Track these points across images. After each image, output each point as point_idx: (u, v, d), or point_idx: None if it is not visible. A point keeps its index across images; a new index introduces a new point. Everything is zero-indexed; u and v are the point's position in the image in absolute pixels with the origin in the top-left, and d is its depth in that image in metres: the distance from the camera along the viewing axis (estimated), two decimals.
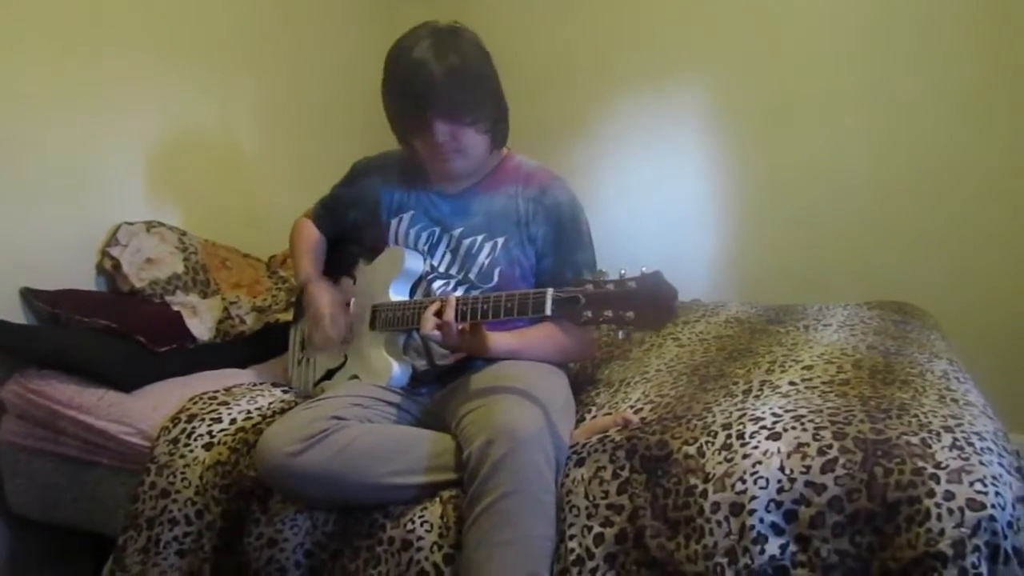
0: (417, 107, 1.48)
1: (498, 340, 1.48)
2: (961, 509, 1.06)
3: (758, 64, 2.85)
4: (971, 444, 1.18)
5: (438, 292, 1.58)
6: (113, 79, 2.14)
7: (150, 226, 2.14)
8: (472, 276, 1.58)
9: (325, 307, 1.65)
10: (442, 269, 1.61)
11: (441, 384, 1.58)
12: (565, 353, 1.61)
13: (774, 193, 2.88)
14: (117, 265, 2.03)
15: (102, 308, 1.89)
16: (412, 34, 1.50)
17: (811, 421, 1.26)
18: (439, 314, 1.38)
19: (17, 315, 1.89)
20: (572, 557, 1.24)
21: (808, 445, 1.21)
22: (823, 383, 1.47)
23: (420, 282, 1.61)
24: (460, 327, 1.38)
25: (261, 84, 2.66)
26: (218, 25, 2.49)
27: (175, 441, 1.57)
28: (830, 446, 1.19)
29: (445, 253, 1.61)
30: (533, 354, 1.53)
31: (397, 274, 1.58)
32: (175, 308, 1.98)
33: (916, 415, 1.28)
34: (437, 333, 1.39)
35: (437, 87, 1.45)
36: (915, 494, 1.10)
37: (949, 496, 1.08)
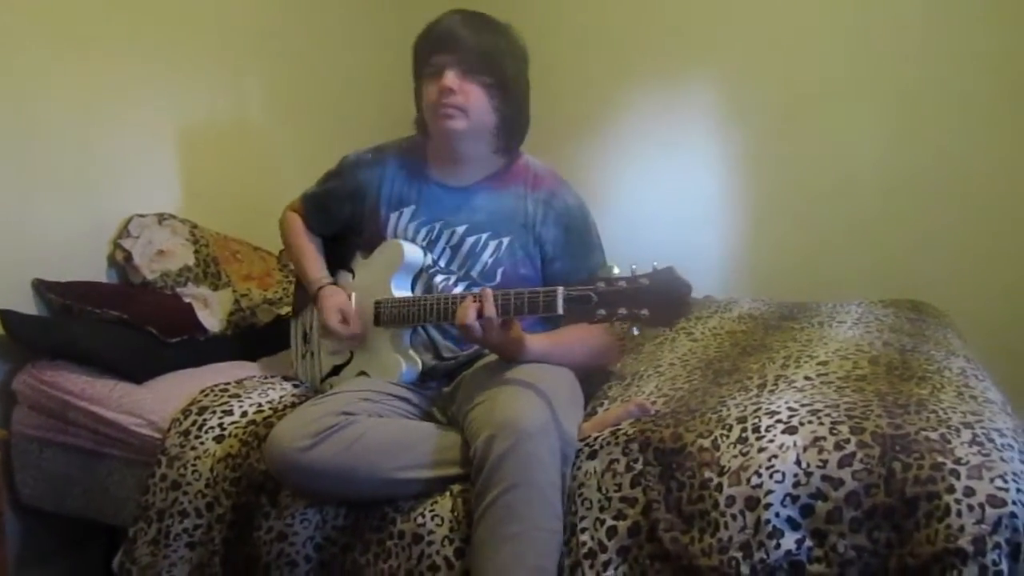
0: (436, 47, 1.49)
1: (533, 342, 1.44)
2: (981, 505, 1.05)
3: (768, 61, 2.83)
4: (991, 440, 1.16)
5: (440, 287, 1.56)
6: (125, 71, 2.14)
7: (161, 218, 2.14)
8: (474, 274, 1.56)
9: (333, 316, 1.60)
10: (442, 264, 1.58)
11: (449, 378, 1.58)
12: (595, 355, 1.58)
13: (785, 190, 2.86)
14: (128, 257, 2.03)
15: (113, 300, 1.89)
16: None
17: (828, 415, 1.25)
18: (480, 309, 1.34)
19: (29, 306, 1.89)
20: (584, 550, 1.23)
21: (825, 439, 1.19)
22: (839, 378, 1.46)
23: (421, 275, 1.58)
24: (499, 321, 1.35)
25: (272, 76, 2.66)
26: (230, 17, 2.49)
27: (186, 433, 1.56)
28: (847, 440, 1.18)
29: (445, 249, 1.58)
30: (565, 358, 1.49)
31: (397, 268, 1.55)
32: (186, 300, 1.98)
33: (935, 411, 1.26)
34: (477, 325, 1.35)
35: (461, 34, 1.47)
36: (934, 490, 1.08)
37: (969, 492, 1.06)
